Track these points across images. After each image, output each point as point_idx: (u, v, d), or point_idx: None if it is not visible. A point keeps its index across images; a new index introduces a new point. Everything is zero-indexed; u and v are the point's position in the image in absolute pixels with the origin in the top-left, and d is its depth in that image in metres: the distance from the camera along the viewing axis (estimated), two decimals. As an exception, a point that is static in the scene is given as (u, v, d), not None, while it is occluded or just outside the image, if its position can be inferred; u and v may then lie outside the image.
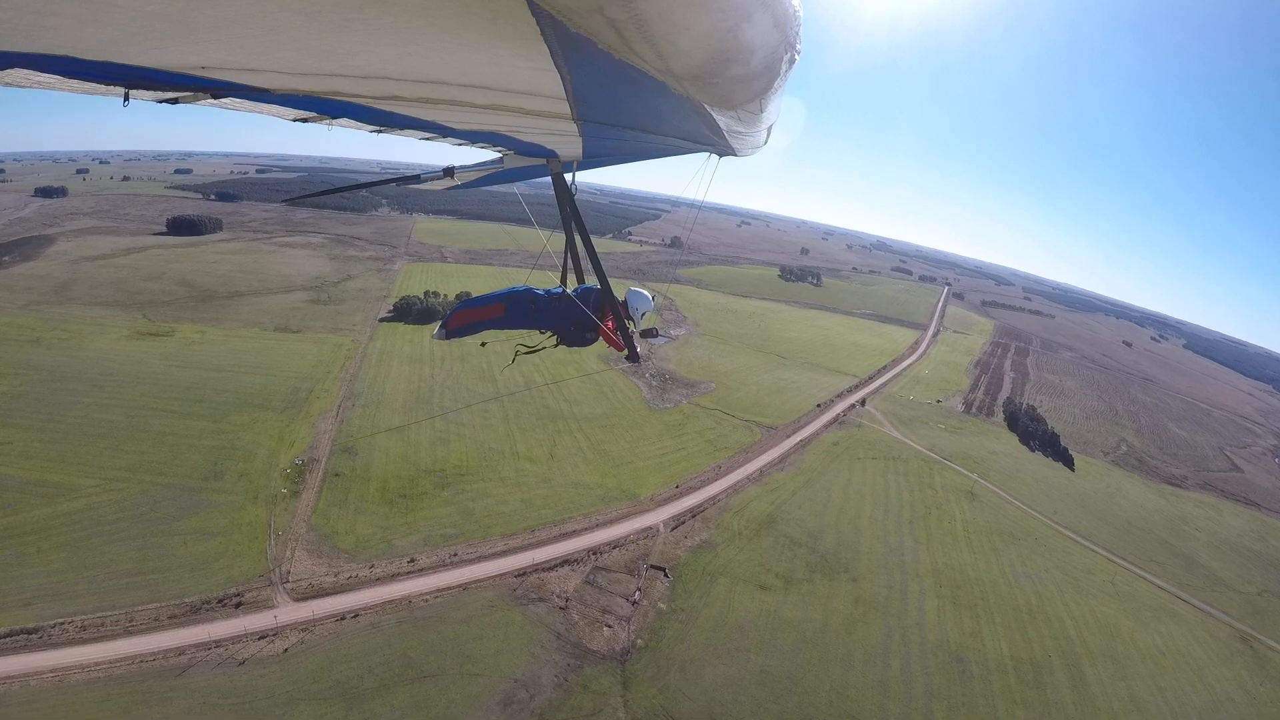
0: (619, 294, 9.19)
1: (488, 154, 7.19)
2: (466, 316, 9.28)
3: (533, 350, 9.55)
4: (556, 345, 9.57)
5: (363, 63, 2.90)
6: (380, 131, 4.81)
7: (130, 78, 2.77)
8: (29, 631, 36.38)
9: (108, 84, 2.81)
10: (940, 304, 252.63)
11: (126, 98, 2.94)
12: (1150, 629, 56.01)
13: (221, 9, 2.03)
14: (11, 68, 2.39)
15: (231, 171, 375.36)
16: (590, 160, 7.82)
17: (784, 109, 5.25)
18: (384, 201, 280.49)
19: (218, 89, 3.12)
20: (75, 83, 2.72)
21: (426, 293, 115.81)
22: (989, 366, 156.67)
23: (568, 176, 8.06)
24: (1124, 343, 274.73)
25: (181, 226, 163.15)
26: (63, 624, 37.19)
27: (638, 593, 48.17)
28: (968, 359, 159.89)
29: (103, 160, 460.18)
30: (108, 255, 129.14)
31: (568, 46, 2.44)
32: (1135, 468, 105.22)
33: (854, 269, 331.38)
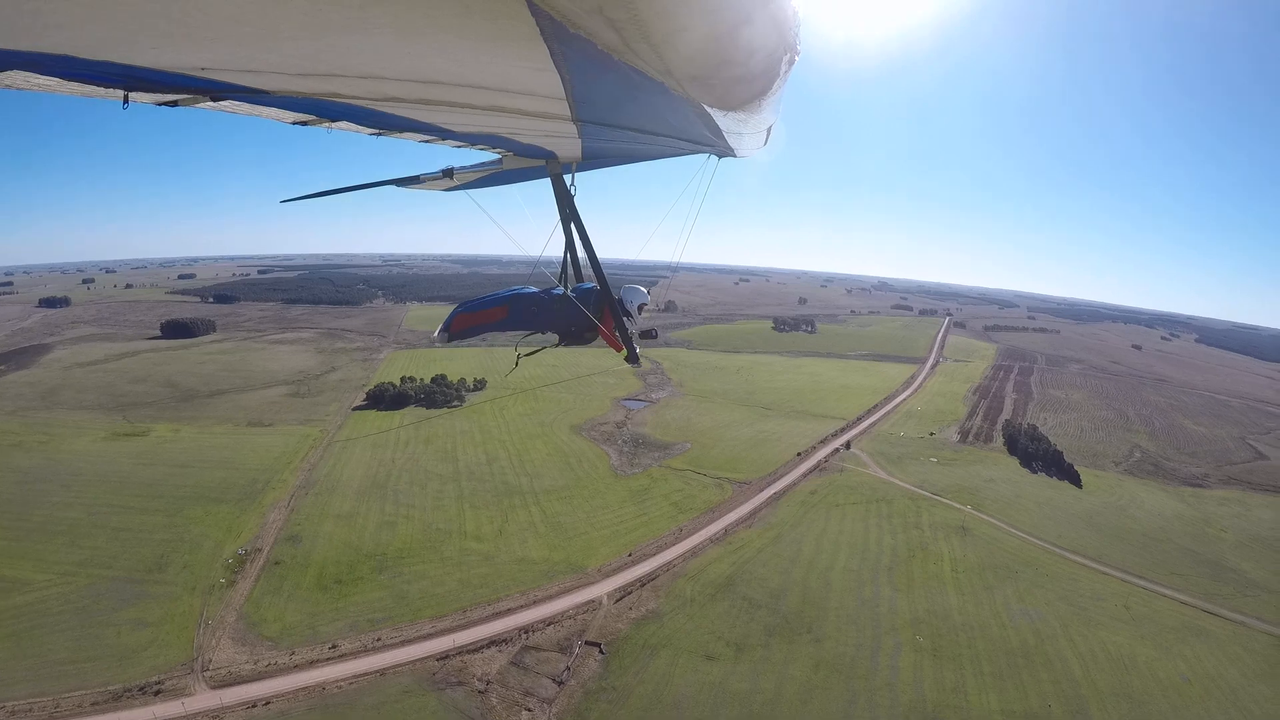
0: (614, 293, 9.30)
1: (487, 155, 7.23)
2: (469, 320, 9.15)
3: (533, 352, 9.73)
4: (558, 345, 9.67)
5: (362, 63, 2.97)
6: (379, 134, 4.82)
7: (129, 79, 2.79)
8: (-45, 720, 37.68)
9: (107, 86, 2.83)
10: (940, 335, 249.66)
11: (126, 99, 2.94)
12: (1173, 654, 51.22)
13: (222, 7, 2.04)
14: (11, 69, 2.41)
15: (234, 274, 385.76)
16: (590, 161, 7.93)
17: (783, 110, 5.40)
18: (379, 293, 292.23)
19: (217, 91, 3.16)
20: (75, 85, 2.75)
21: (402, 379, 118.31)
22: (989, 391, 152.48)
23: (567, 178, 8.20)
24: (1134, 347, 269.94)
25: (175, 329, 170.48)
26: (-9, 712, 38.44)
27: (566, 672, 45.84)
28: (966, 386, 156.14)
29: (109, 269, 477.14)
30: (99, 361, 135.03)
31: (568, 47, 2.49)
32: (1151, 474, 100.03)
33: (851, 311, 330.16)
